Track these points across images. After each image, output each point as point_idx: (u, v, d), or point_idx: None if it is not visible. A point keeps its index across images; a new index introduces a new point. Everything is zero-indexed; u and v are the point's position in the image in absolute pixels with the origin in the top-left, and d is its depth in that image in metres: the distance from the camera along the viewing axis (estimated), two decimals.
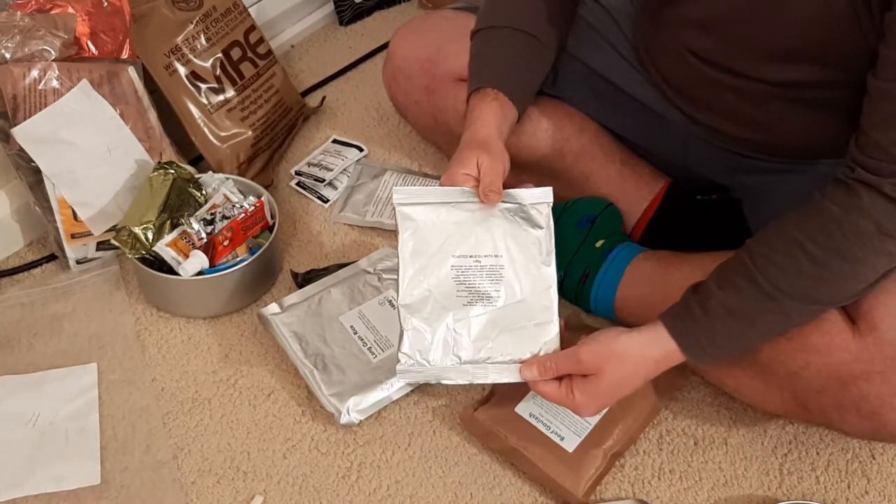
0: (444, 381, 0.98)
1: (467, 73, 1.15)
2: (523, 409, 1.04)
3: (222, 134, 1.36)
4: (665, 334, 0.92)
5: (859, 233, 0.84)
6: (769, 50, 0.95)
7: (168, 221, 1.18)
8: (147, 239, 1.16)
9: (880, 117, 0.83)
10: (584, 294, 1.17)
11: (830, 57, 0.91)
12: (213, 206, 1.22)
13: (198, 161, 1.38)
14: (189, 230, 1.18)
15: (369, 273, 1.20)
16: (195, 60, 1.35)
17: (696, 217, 1.19)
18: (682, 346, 0.92)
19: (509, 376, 0.97)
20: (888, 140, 0.82)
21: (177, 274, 1.16)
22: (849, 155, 0.86)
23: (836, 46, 0.90)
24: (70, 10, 1.17)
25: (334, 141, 1.51)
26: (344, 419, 1.06)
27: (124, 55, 1.22)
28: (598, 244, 1.16)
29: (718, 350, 0.93)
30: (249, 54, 1.43)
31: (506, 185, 1.22)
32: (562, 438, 1.02)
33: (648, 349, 0.93)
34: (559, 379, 0.95)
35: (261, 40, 1.45)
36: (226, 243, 1.19)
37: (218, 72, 1.37)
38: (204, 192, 1.25)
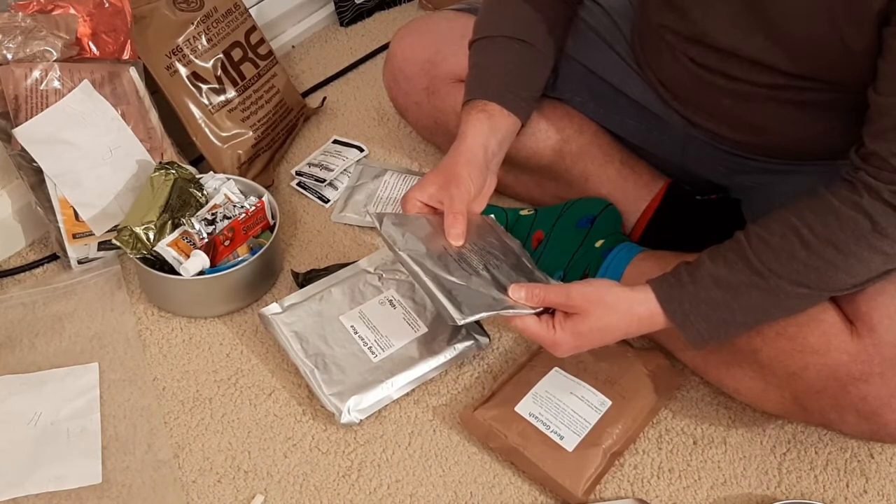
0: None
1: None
2: (523, 408, 1.05)
3: (223, 134, 1.37)
4: (652, 296, 0.93)
5: (856, 227, 0.86)
6: (763, 64, 0.96)
7: (169, 221, 1.18)
8: (148, 239, 1.16)
9: (879, 130, 0.85)
10: None
11: (825, 72, 0.93)
12: (214, 206, 1.22)
13: (199, 161, 1.38)
14: (190, 230, 1.18)
15: (370, 273, 1.21)
16: (196, 61, 1.35)
17: (695, 217, 1.19)
18: (666, 310, 0.93)
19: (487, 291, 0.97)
20: (887, 152, 0.84)
21: (178, 274, 1.16)
22: (850, 160, 0.88)
23: (829, 64, 0.91)
24: (71, 10, 1.17)
25: (335, 141, 1.51)
26: (344, 418, 1.06)
27: (125, 56, 1.22)
28: (598, 244, 1.16)
29: (701, 320, 0.93)
30: (250, 55, 1.43)
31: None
32: (561, 438, 1.02)
33: (637, 305, 0.94)
34: (540, 315, 0.96)
35: (262, 41, 1.45)
36: (227, 243, 1.19)
37: (219, 72, 1.37)
38: (205, 192, 1.25)
